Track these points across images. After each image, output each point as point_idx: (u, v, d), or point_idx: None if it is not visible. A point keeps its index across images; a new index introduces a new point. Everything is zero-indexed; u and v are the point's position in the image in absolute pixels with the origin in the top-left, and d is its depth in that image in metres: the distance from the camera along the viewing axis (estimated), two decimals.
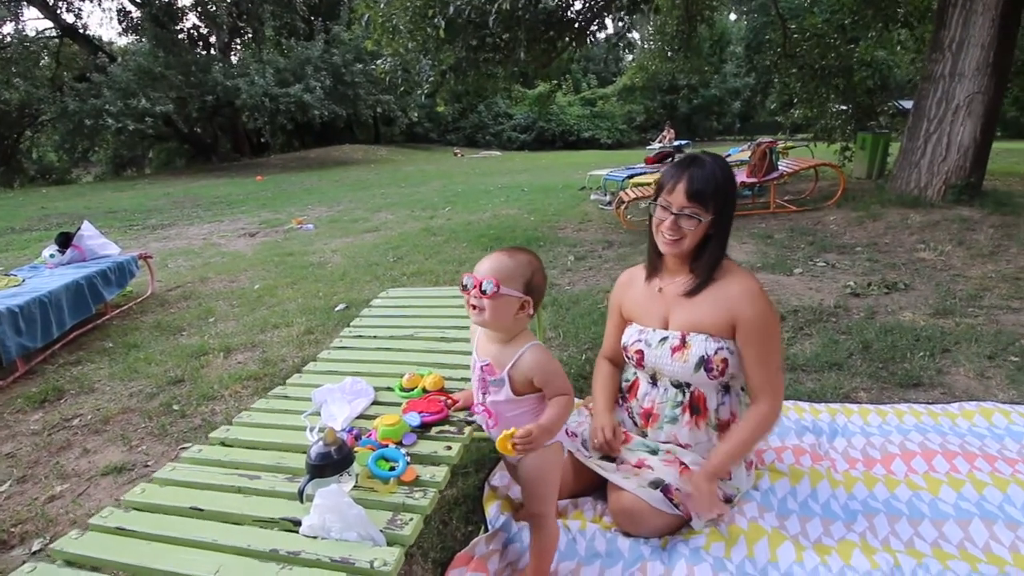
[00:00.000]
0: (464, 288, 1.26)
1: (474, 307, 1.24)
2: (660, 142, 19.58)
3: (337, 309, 3.80)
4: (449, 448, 1.29)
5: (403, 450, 1.26)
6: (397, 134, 28.25)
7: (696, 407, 1.47)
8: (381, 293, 2.45)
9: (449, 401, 1.45)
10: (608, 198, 7.63)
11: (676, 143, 19.45)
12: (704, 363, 1.41)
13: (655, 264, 1.55)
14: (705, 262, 1.41)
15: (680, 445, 1.48)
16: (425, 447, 1.31)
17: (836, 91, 7.77)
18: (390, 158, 22.41)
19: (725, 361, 1.41)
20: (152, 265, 4.64)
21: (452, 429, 1.37)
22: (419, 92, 5.47)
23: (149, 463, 2.12)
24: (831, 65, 7.39)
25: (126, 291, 4.46)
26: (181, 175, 18.37)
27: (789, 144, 8.99)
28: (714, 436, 1.46)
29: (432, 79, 4.84)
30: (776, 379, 1.41)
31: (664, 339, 1.48)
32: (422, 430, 1.37)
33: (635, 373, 1.59)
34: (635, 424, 1.54)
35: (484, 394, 1.34)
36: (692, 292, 1.43)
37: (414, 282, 4.40)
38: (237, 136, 22.86)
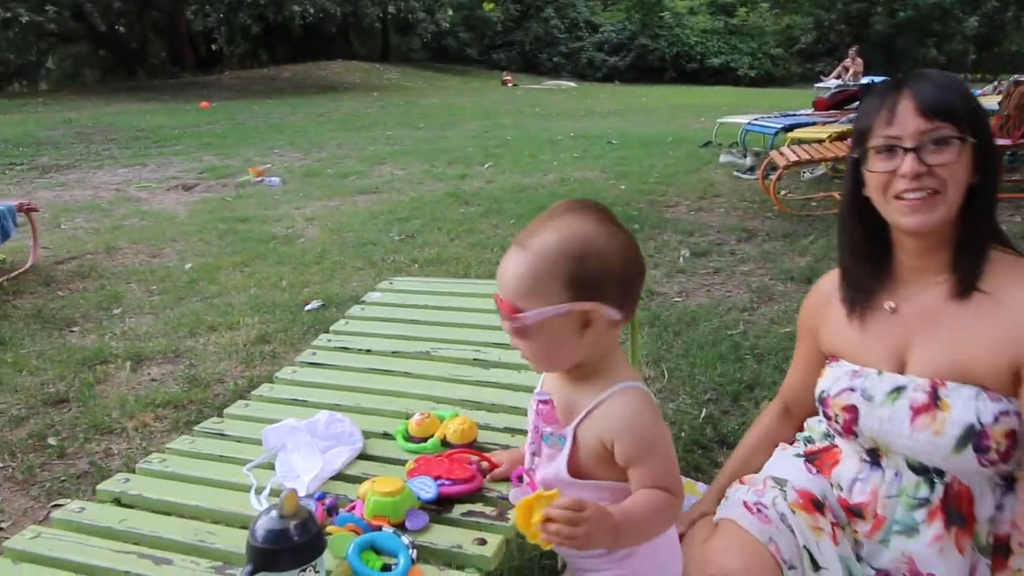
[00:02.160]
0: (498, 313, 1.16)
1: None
2: (839, 78, 19.21)
3: (309, 308, 3.85)
4: (483, 543, 1.23)
5: (406, 538, 1.21)
6: (417, 48, 28.85)
7: (955, 512, 1.33)
8: (382, 283, 2.43)
9: (485, 464, 1.39)
10: (749, 161, 7.48)
11: (865, 80, 19.14)
12: (974, 437, 1.27)
13: (868, 281, 1.42)
14: (974, 239, 1.30)
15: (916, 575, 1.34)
16: (442, 536, 1.25)
17: None
18: (404, 84, 22.93)
19: (1012, 435, 1.27)
20: (36, 222, 4.83)
21: (489, 511, 1.31)
22: None
23: (2, 524, 2.15)
24: None
25: None
26: (91, 94, 19.39)
27: None
28: (983, 565, 1.31)
29: None
30: None
31: (898, 391, 1.34)
32: (439, 507, 1.32)
33: (837, 441, 1.48)
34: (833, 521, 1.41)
35: (534, 455, 1.23)
36: (961, 294, 1.32)
37: (429, 272, 4.41)
38: (177, 41, 23.95)
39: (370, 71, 24.51)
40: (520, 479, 1.31)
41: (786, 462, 1.54)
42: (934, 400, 1.29)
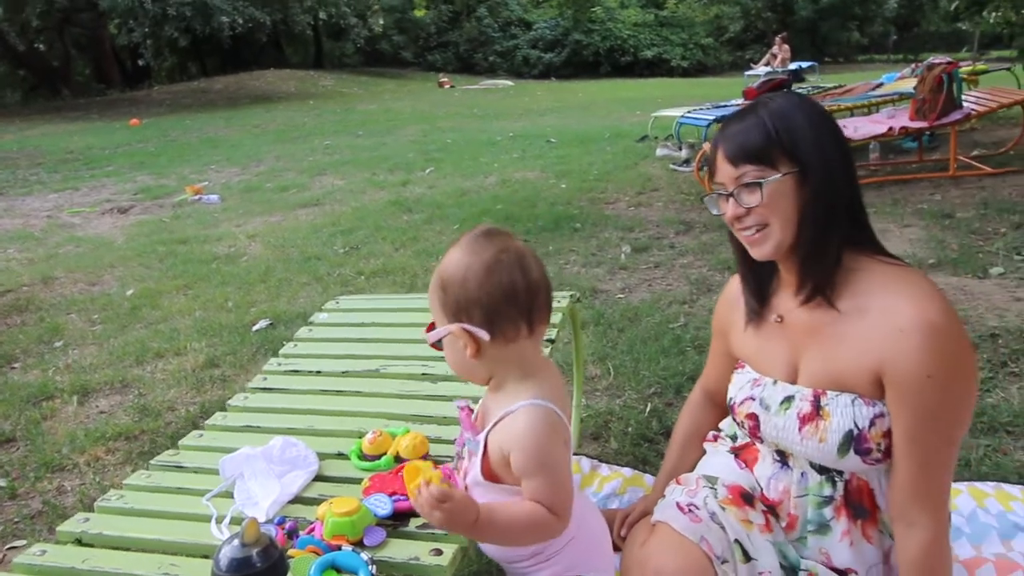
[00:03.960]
0: None
1: None
2: (768, 65, 19.71)
3: (256, 328, 3.84)
4: (439, 553, 1.28)
5: (365, 555, 1.26)
6: (351, 53, 28.55)
7: (858, 505, 1.42)
8: (328, 303, 2.46)
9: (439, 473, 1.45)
10: (685, 153, 7.64)
11: (792, 66, 19.65)
12: (854, 441, 1.36)
13: (760, 290, 1.52)
14: (812, 248, 1.35)
15: (836, 571, 1.43)
16: (400, 550, 1.30)
17: None
18: (339, 90, 22.68)
19: (890, 435, 1.35)
20: None
21: None
22: None
23: None
24: None
25: None
26: (14, 117, 18.73)
27: (980, 67, 8.93)
28: (895, 549, 1.41)
29: None
30: (934, 484, 1.33)
31: (788, 400, 1.43)
32: (395, 522, 1.37)
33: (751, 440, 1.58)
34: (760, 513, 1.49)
35: (459, 457, 1.37)
36: (812, 305, 1.40)
37: (376, 285, 4.43)
38: (102, 56, 23.29)
39: (304, 79, 24.19)
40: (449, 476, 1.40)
41: (717, 459, 1.63)
42: (816, 409, 1.38)
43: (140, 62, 23.67)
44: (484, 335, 1.21)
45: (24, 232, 6.58)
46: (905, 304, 1.29)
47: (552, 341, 1.96)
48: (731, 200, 1.37)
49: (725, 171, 1.37)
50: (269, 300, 4.31)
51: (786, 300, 1.47)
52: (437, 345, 1.30)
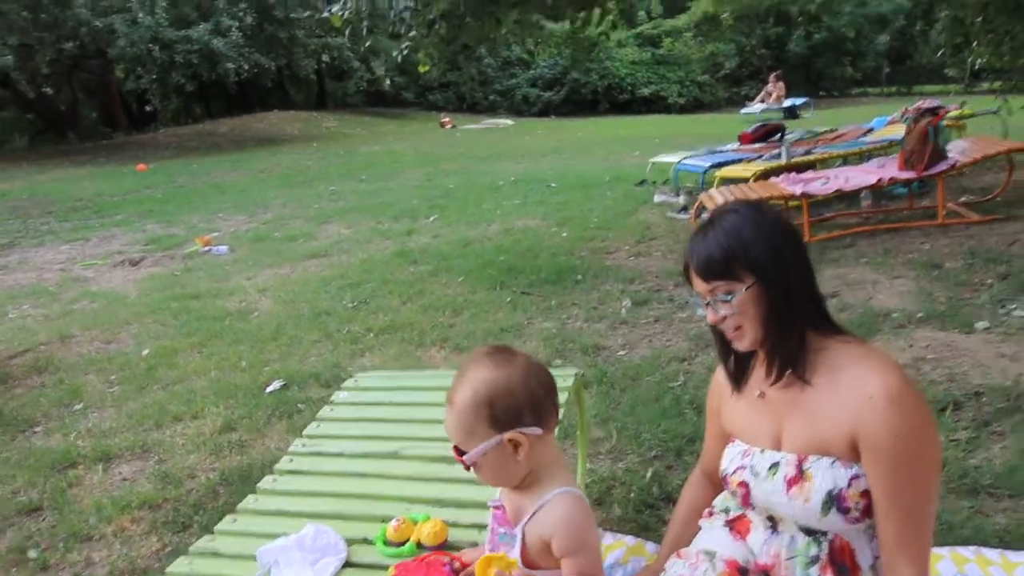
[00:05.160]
0: None
1: None
2: (763, 101, 20.01)
3: (270, 389, 3.97)
4: None
5: None
6: (353, 93, 28.97)
7: (841, 564, 1.56)
8: (348, 380, 2.60)
9: (458, 564, 1.57)
10: (682, 200, 7.80)
11: (787, 103, 19.99)
12: (835, 501, 1.52)
13: (739, 366, 1.68)
14: (775, 341, 1.55)
15: None
16: None
17: None
18: (342, 131, 23.00)
19: (867, 495, 1.52)
20: None
21: None
22: (395, 54, 5.75)
23: None
24: None
25: None
26: (22, 161, 19.02)
27: (966, 111, 9.14)
28: None
29: (414, 34, 5.10)
30: (917, 536, 1.50)
31: (775, 466, 1.60)
32: None
33: (746, 510, 1.71)
34: None
35: (493, 551, 1.48)
36: (788, 384, 1.57)
37: (385, 342, 4.56)
38: (109, 101, 23.66)
39: (308, 120, 24.55)
40: None
41: (714, 532, 1.77)
42: (800, 472, 1.54)
43: (147, 107, 24.04)
44: (537, 431, 1.40)
45: (39, 287, 6.74)
46: (871, 376, 1.47)
47: (560, 420, 2.10)
48: (709, 308, 1.56)
49: (699, 284, 1.56)
50: (281, 359, 4.44)
51: (765, 379, 1.64)
52: (471, 467, 1.42)
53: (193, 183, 13.57)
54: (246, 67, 20.19)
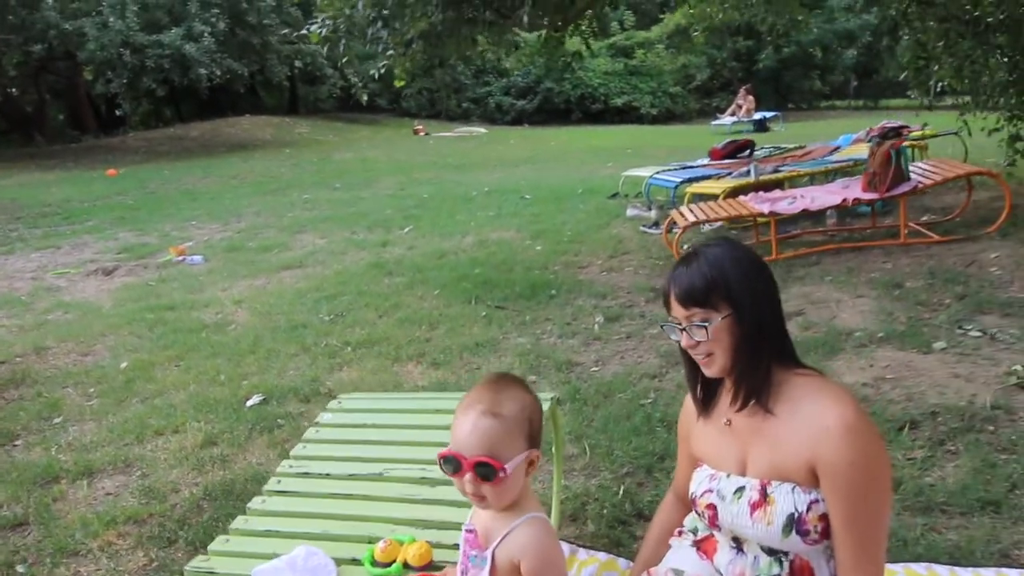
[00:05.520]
0: (448, 469, 1.48)
1: (473, 494, 1.47)
2: (733, 114, 20.39)
3: (250, 403, 4.02)
4: None
5: None
6: (325, 99, 28.88)
7: None
8: (332, 403, 2.68)
9: None
10: (654, 214, 7.95)
11: (757, 116, 20.36)
12: (795, 524, 1.64)
13: (707, 392, 1.80)
14: (744, 372, 1.67)
15: None
16: None
17: (998, 53, 8.22)
18: (315, 137, 22.95)
19: (825, 518, 1.64)
20: None
21: None
22: (372, 72, 5.83)
23: None
24: (989, 16, 7.85)
25: None
26: None
27: (928, 131, 9.45)
28: None
29: (392, 53, 5.18)
30: (871, 557, 1.63)
31: (740, 490, 1.71)
32: None
33: (713, 531, 1.82)
34: None
35: (464, 573, 1.57)
36: (752, 412, 1.69)
37: (362, 356, 4.62)
38: (77, 103, 23.35)
39: (280, 126, 24.44)
40: None
41: (682, 552, 1.88)
42: (764, 496, 1.65)
43: (117, 111, 23.77)
44: (538, 452, 1.52)
45: (11, 296, 6.69)
46: (828, 408, 1.59)
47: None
48: (684, 333, 1.67)
49: (677, 310, 1.67)
50: (259, 372, 4.48)
51: (731, 407, 1.75)
52: (501, 480, 1.43)
53: (165, 189, 13.49)
54: (218, 73, 20.08)
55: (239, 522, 2.01)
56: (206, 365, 4.64)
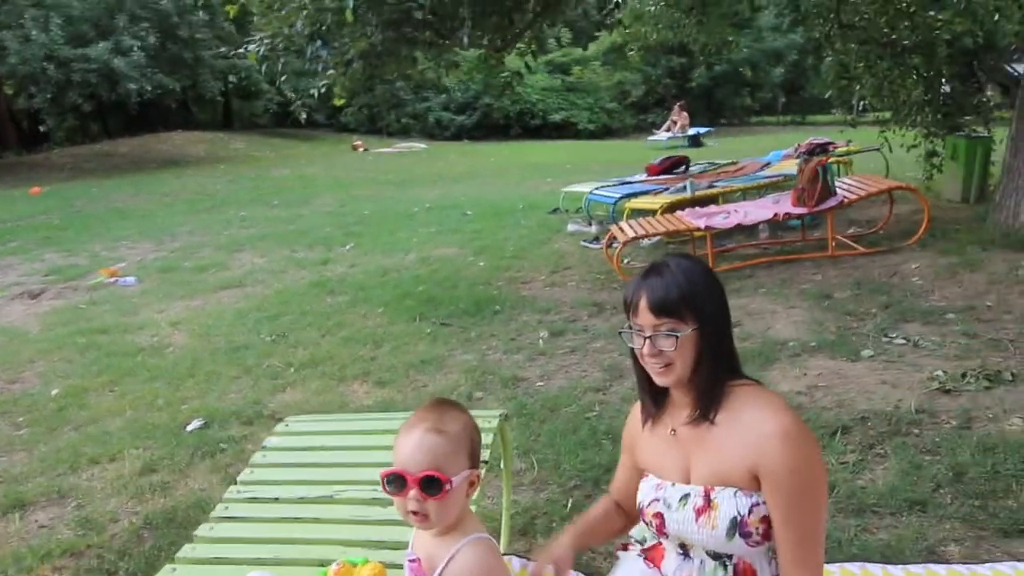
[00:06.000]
0: (392, 488, 1.47)
1: (415, 513, 1.45)
2: (668, 130, 20.89)
3: (190, 428, 3.94)
4: None
5: None
6: (261, 114, 28.46)
7: None
8: (278, 426, 2.65)
9: None
10: (595, 230, 8.09)
11: (692, 132, 20.91)
12: (738, 526, 1.71)
13: (655, 401, 1.86)
14: (704, 385, 1.73)
15: None
16: None
17: (914, 74, 8.67)
18: (252, 154, 22.56)
19: (766, 520, 1.72)
20: None
21: None
22: (312, 90, 5.81)
23: None
24: (905, 39, 8.28)
25: None
26: None
27: (852, 147, 9.89)
28: None
29: (331, 73, 5.18)
30: (811, 555, 1.72)
31: (685, 497, 1.78)
32: None
33: (660, 539, 1.88)
34: None
35: None
36: (696, 422, 1.76)
37: (306, 377, 4.58)
38: None
39: (214, 141, 23.97)
40: None
41: (630, 563, 1.93)
42: (708, 502, 1.73)
43: (40, 128, 22.97)
44: (479, 472, 1.53)
45: None
46: (767, 416, 1.67)
47: (486, 462, 2.23)
48: (647, 341, 1.71)
49: (645, 317, 1.70)
50: (200, 396, 4.40)
51: (677, 418, 1.82)
52: (439, 496, 1.43)
53: (93, 208, 13.09)
54: (149, 88, 19.62)
55: (186, 550, 1.98)
56: (143, 390, 4.53)
